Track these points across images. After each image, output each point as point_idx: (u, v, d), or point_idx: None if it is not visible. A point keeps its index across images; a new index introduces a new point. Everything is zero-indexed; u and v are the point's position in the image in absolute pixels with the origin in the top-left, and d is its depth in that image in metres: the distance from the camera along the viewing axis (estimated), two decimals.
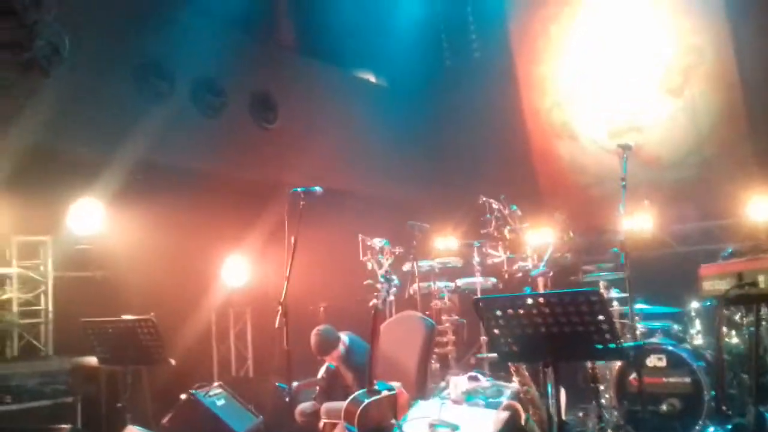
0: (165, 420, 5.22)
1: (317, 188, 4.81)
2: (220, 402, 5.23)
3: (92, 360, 5.70)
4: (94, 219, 6.29)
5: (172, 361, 5.28)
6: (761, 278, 2.51)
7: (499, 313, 3.52)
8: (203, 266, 7.32)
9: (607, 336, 3.29)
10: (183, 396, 5.27)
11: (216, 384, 5.57)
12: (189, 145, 7.26)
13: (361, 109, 9.31)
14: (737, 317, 4.99)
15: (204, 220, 7.24)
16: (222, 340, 8.05)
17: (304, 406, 5.40)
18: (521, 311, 3.43)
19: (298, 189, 4.73)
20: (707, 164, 8.09)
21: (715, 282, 3.15)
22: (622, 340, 3.39)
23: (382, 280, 4.99)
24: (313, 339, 5.48)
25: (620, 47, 8.48)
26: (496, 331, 3.58)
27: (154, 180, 7.17)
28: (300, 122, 8.35)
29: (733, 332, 5.48)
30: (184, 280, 6.95)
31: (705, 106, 8.04)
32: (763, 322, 4.62)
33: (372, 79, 9.96)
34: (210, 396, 5.23)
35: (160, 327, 4.90)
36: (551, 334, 3.37)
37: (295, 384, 4.99)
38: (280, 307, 4.37)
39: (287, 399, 5.18)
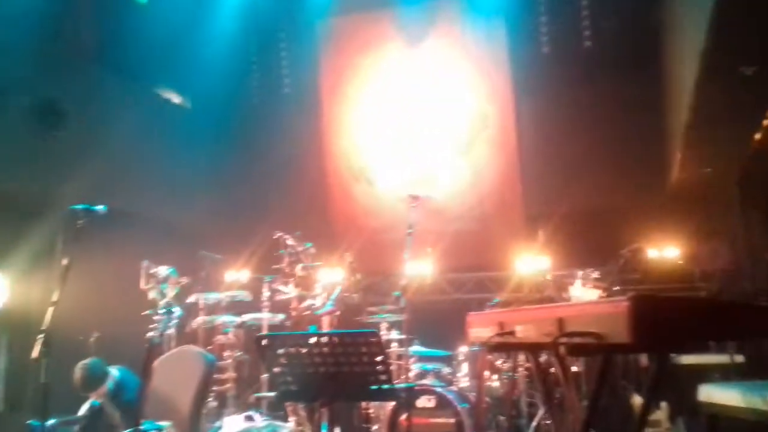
0: None
1: (100, 207, 4.42)
2: None
3: None
4: None
5: None
6: (519, 328, 2.77)
7: (281, 350, 3.50)
8: None
9: (382, 377, 3.42)
10: None
11: None
12: None
13: (160, 130, 8.89)
14: (499, 363, 5.45)
15: None
16: None
17: None
18: (303, 350, 3.44)
19: (77, 206, 4.33)
20: (485, 220, 8.89)
21: (479, 330, 3.41)
22: (395, 382, 3.53)
23: (161, 311, 4.71)
24: (76, 374, 4.98)
25: (421, 102, 9.09)
26: (277, 369, 3.55)
27: None
28: (88, 135, 7.73)
29: (495, 376, 6.00)
30: None
31: (487, 167, 8.88)
32: (520, 369, 5.12)
33: (176, 99, 9.58)
34: None
35: None
36: (329, 374, 3.41)
37: (52, 422, 4.50)
38: (41, 336, 3.93)
39: None
